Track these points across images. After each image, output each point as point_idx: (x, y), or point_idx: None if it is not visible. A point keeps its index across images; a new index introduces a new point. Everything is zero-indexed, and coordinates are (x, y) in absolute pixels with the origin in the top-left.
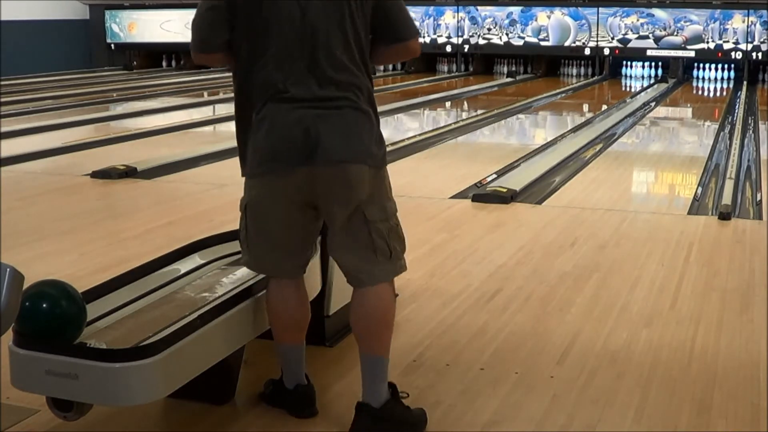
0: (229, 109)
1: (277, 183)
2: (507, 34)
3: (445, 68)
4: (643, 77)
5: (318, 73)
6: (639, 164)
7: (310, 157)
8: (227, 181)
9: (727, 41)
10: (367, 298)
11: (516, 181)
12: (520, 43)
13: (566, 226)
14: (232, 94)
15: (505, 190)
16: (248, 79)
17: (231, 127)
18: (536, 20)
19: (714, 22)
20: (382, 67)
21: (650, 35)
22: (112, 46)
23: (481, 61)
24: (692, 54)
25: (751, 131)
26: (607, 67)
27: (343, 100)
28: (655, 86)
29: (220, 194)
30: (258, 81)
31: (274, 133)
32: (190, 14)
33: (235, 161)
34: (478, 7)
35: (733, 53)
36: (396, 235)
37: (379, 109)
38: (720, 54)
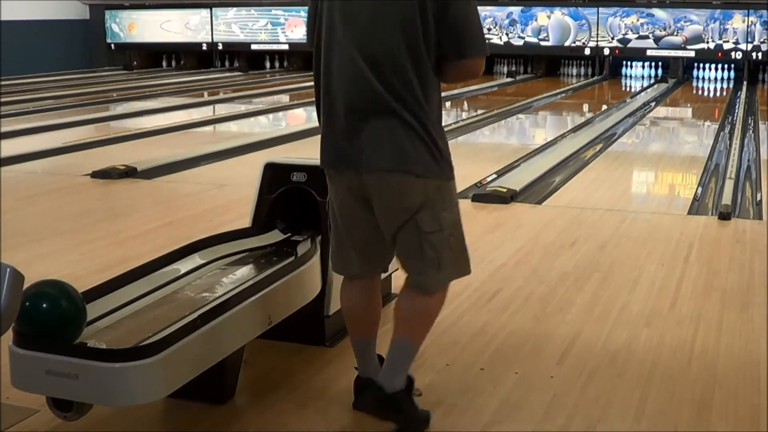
0: (228, 109)
1: (337, 181)
2: (507, 34)
3: None
4: (643, 77)
5: (368, 84)
6: (639, 164)
7: (355, 163)
8: (227, 181)
9: (727, 41)
10: (412, 298)
11: (516, 181)
12: (520, 43)
13: (566, 226)
14: (232, 94)
15: (505, 190)
16: (315, 75)
17: (231, 127)
18: (536, 20)
19: (714, 22)
20: None
21: (650, 35)
22: (112, 46)
23: None
24: (692, 54)
25: (751, 131)
26: (607, 67)
27: (391, 113)
28: (655, 86)
29: (220, 194)
30: (319, 80)
31: (328, 136)
32: (190, 14)
33: (235, 161)
34: (478, 7)
35: (733, 53)
36: (447, 246)
37: None
38: (720, 54)
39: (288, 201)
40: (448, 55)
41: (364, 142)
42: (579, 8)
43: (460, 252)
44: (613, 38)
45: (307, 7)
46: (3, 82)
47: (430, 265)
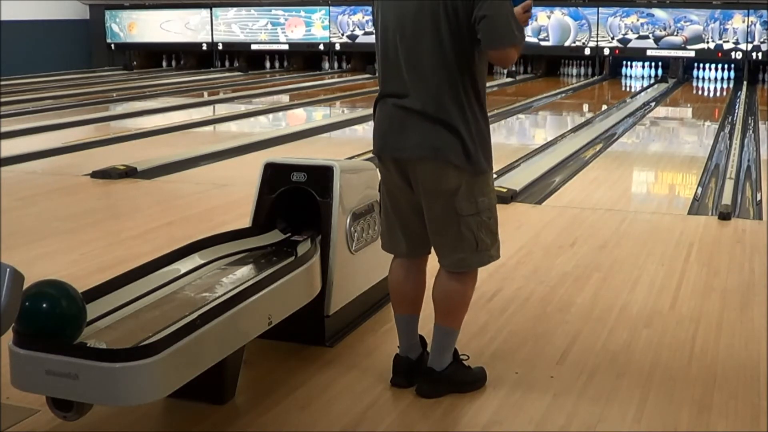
0: (228, 109)
1: (384, 165)
2: None
3: None
4: (643, 77)
5: (407, 84)
6: (639, 164)
7: (397, 150)
8: (227, 181)
9: (727, 41)
10: (447, 280)
11: (516, 181)
12: None
13: (566, 226)
14: (232, 94)
15: (505, 190)
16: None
17: (231, 127)
18: (536, 20)
19: (714, 22)
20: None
21: (650, 35)
22: (112, 46)
23: None
24: (692, 54)
25: (751, 131)
26: (607, 67)
27: (433, 109)
28: (655, 86)
29: (220, 194)
30: (378, 76)
31: (376, 125)
32: (190, 14)
33: (235, 161)
34: None
35: (733, 53)
36: (486, 228)
37: None
38: (720, 54)
39: (288, 201)
40: (484, 45)
41: (408, 134)
42: (579, 8)
43: (495, 236)
44: (613, 38)
45: (306, 7)
46: (3, 82)
47: (468, 245)
